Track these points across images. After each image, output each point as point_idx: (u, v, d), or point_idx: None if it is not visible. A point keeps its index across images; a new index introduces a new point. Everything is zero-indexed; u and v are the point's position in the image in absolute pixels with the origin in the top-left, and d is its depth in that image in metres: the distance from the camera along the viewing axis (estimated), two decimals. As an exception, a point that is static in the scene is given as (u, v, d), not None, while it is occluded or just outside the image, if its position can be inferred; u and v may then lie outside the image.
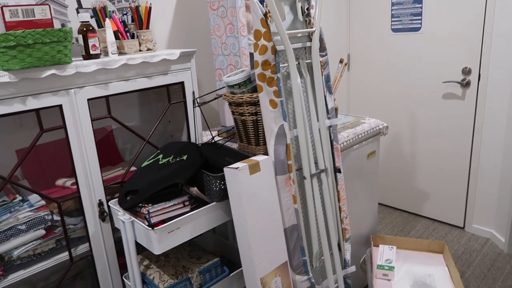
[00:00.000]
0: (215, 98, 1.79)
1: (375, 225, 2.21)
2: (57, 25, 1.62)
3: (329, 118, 1.60)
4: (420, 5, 2.74)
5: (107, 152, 1.73)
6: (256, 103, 1.52)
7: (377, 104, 3.18)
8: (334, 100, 1.69)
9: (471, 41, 2.55)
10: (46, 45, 1.27)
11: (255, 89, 1.58)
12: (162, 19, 2.05)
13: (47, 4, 1.27)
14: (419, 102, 2.91)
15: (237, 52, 1.97)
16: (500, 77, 2.45)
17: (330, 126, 1.60)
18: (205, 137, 1.95)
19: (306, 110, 1.55)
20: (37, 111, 1.34)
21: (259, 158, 1.40)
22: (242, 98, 1.52)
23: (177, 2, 2.10)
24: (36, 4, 1.23)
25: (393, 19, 2.92)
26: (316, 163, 1.55)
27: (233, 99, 1.55)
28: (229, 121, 2.09)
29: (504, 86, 2.44)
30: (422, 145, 2.96)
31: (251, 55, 2.03)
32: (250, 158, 1.41)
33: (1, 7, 1.15)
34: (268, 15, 1.42)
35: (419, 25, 2.78)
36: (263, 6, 1.42)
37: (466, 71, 2.61)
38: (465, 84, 2.63)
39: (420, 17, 2.77)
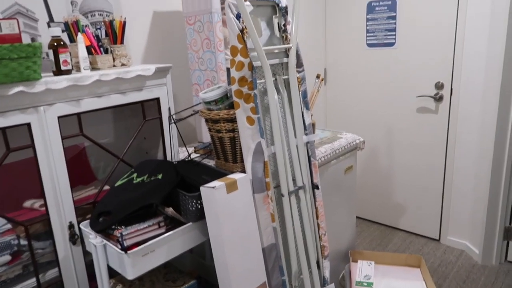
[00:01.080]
0: (192, 115, 1.76)
1: (353, 239, 2.21)
2: (26, 39, 1.57)
3: (306, 134, 1.59)
4: (394, 21, 2.80)
5: (79, 170, 1.67)
6: (233, 120, 1.50)
7: (353, 119, 3.22)
8: (311, 115, 1.69)
9: (443, 57, 2.62)
10: (13, 61, 1.22)
11: (232, 106, 1.56)
12: (137, 33, 2.02)
13: (15, 18, 1.22)
14: (394, 116, 2.95)
15: (214, 67, 1.95)
16: (472, 91, 2.52)
17: (307, 142, 1.59)
18: (182, 153, 1.91)
19: (283, 127, 1.54)
20: (3, 130, 1.28)
21: (237, 176, 1.37)
22: (219, 115, 1.49)
23: (153, 16, 2.08)
24: (3, 19, 1.18)
25: (368, 34, 2.97)
26: (294, 180, 1.54)
27: (209, 115, 1.52)
28: (206, 137, 2.06)
29: (475, 100, 2.51)
30: (398, 159, 3.00)
31: (228, 70, 2.01)
32: (227, 176, 1.38)
33: (-36, 22, 1.10)
34: (244, 31, 1.41)
35: (394, 41, 2.84)
36: (239, 22, 1.41)
37: (439, 86, 2.68)
38: (438, 99, 2.69)
39: (394, 33, 2.83)
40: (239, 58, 1.40)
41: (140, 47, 2.04)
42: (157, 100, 1.71)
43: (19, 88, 1.25)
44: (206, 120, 1.58)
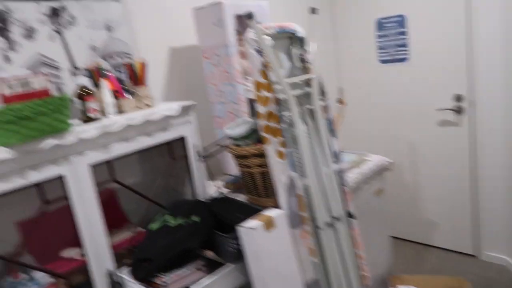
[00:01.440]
0: (219, 150, 1.75)
1: (389, 263, 2.15)
2: (52, 89, 1.59)
3: (336, 162, 1.57)
4: (405, 37, 2.80)
5: (112, 215, 1.65)
6: (262, 155, 1.48)
7: (373, 137, 3.18)
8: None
9: (458, 69, 2.59)
10: (45, 115, 1.22)
11: (259, 139, 1.55)
12: (154, 70, 2.02)
13: (43, 74, 1.24)
14: (415, 131, 2.92)
15: (234, 99, 1.95)
16: (493, 101, 2.48)
17: (338, 171, 1.57)
18: (211, 187, 1.90)
19: (313, 157, 1.52)
20: (38, 185, 1.28)
21: (273, 213, 1.35)
22: (248, 151, 1.48)
23: (169, 52, 2.10)
24: (32, 75, 1.20)
25: (379, 51, 2.96)
26: (329, 210, 1.51)
27: (238, 152, 1.51)
28: (233, 169, 2.04)
29: (497, 110, 2.47)
30: (424, 174, 2.95)
31: (249, 100, 2.01)
32: (263, 213, 1.36)
33: (-1, 82, 1.11)
34: (267, 65, 1.41)
35: (406, 56, 2.83)
36: (261, 57, 1.41)
37: (458, 98, 2.64)
38: (459, 111, 2.66)
39: (406, 48, 2.82)
40: (263, 93, 1.40)
41: (159, 84, 2.05)
42: (183, 138, 1.71)
43: (51, 141, 1.26)
44: (234, 156, 1.57)
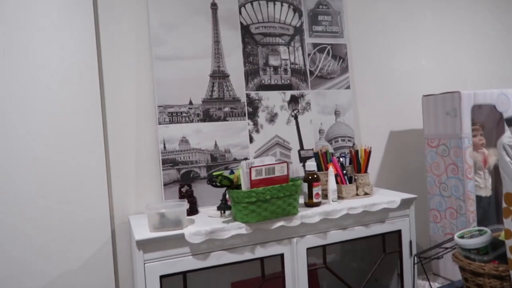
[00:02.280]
0: (439, 254, 1.57)
1: None
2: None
3: None
4: None
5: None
6: (503, 278, 1.24)
7: None
8: None
9: None
10: (280, 199, 1.33)
11: (500, 258, 1.31)
12: (372, 153, 2.01)
13: (286, 162, 1.35)
14: None
15: (460, 195, 1.74)
16: None
17: None
18: (420, 290, 1.71)
19: None
20: (261, 259, 1.38)
21: None
22: (484, 269, 1.26)
23: (389, 136, 2.06)
24: (278, 163, 1.32)
25: None
26: None
27: (469, 266, 1.30)
28: (451, 273, 1.79)
29: None
30: None
31: (478, 198, 1.77)
32: None
33: (250, 168, 1.27)
34: (523, 175, 1.20)
35: None
36: (516, 165, 1.21)
37: None
38: None
39: None
40: (517, 207, 1.18)
41: (373, 167, 2.01)
42: (398, 232, 1.60)
43: (281, 223, 1.35)
44: (462, 269, 1.36)
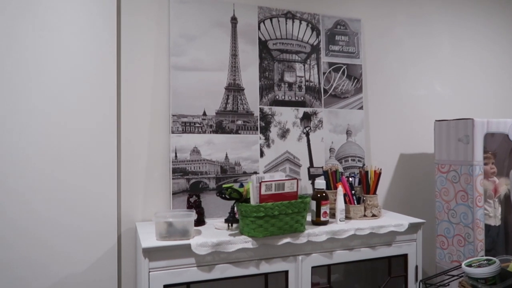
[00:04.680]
0: (447, 282, 1.55)
1: None
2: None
3: None
4: None
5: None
6: (510, 310, 1.22)
7: None
8: None
9: None
10: (287, 216, 1.33)
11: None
12: (382, 177, 2.00)
13: (296, 179, 1.35)
14: None
15: (469, 223, 1.72)
16: None
17: None
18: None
19: None
20: (266, 275, 1.37)
21: None
22: (491, 300, 1.24)
23: (399, 158, 2.05)
24: (288, 179, 1.32)
25: None
26: None
27: (477, 296, 1.28)
28: (453, 302, 1.77)
29: None
30: None
31: (487, 227, 1.75)
32: None
33: (260, 182, 1.27)
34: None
35: None
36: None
37: None
38: None
39: None
40: (527, 239, 1.17)
41: (381, 188, 2.00)
42: (404, 256, 1.58)
43: (287, 239, 1.35)
44: (469, 298, 1.34)
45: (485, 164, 1.77)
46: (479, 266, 1.35)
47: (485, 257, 1.42)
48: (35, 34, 1.40)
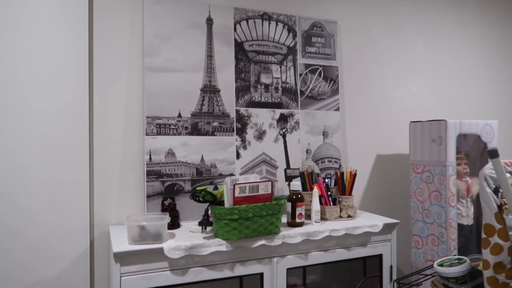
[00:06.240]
0: (420, 282, 1.57)
1: None
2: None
3: None
4: None
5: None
6: (480, 308, 1.24)
7: None
8: None
9: None
10: (262, 218, 1.32)
11: (477, 286, 1.31)
12: (357, 178, 2.02)
13: (270, 180, 1.35)
14: None
15: (442, 223, 1.75)
16: None
17: None
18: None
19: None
20: (241, 278, 1.37)
21: None
22: (462, 298, 1.26)
23: (375, 159, 2.07)
24: (262, 181, 1.32)
25: None
26: None
27: (448, 295, 1.31)
28: (427, 301, 1.79)
29: None
30: None
31: (460, 226, 1.78)
32: None
33: (234, 185, 1.26)
34: (503, 207, 1.21)
35: None
36: (497, 197, 1.23)
37: None
38: None
39: None
40: (495, 239, 1.19)
41: (357, 189, 2.01)
42: (379, 256, 1.60)
43: (262, 241, 1.34)
44: (441, 297, 1.36)
45: (458, 164, 1.80)
46: (450, 266, 1.37)
47: (456, 257, 1.44)
48: (5, 34, 1.36)
